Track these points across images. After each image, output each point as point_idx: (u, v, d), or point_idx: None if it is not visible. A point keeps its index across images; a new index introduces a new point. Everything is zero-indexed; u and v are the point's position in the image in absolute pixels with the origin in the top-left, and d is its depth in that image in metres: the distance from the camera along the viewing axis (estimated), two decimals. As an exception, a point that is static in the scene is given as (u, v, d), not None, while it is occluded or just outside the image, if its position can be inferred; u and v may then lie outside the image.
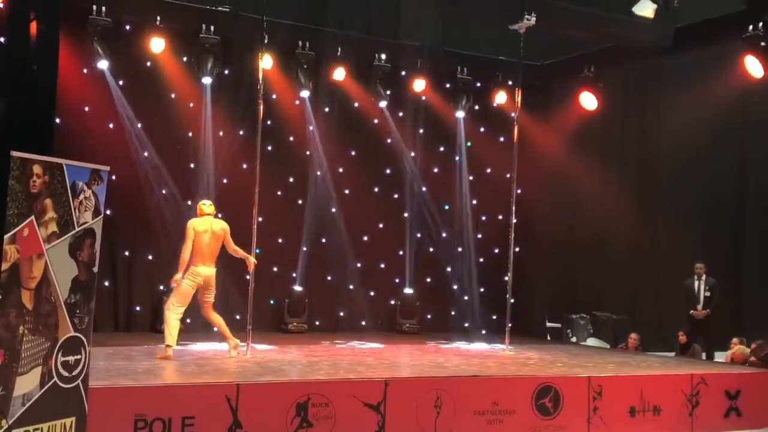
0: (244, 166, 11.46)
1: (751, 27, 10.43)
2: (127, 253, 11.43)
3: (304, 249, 12.38)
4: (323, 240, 12.56)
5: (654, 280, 15.81)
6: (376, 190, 13.12)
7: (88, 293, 5.92)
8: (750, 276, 16.14)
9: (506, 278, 11.18)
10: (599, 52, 12.47)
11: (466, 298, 13.41)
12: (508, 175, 11.68)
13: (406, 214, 13.25)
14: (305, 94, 12.04)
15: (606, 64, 12.63)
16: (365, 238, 12.97)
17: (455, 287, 13.40)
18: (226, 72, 11.60)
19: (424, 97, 12.98)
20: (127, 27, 11.14)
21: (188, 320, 11.28)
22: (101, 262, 6.12)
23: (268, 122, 11.44)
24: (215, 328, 9.23)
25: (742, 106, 15.59)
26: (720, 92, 13.25)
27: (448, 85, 13.12)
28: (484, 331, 12.91)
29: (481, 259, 13.62)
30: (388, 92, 12.46)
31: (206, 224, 8.98)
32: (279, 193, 12.25)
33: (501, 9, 10.64)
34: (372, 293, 13.02)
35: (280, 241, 12.24)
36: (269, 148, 11.66)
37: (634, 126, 15.76)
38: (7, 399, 5.27)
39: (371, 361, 9.40)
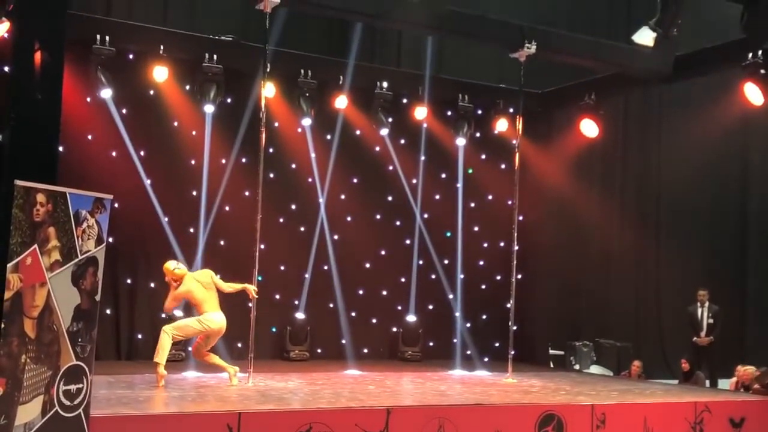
0: (246, 193, 11.49)
1: (750, 55, 10.48)
2: (129, 281, 11.43)
3: (306, 276, 12.38)
4: (325, 267, 12.55)
5: (657, 308, 15.80)
6: (378, 217, 13.14)
7: (91, 322, 5.92)
8: (753, 302, 16.13)
9: (508, 305, 11.15)
10: (600, 79, 12.54)
11: (468, 325, 13.38)
12: (509, 202, 11.70)
13: (407, 241, 13.26)
14: (307, 122, 12.10)
15: (606, 92, 12.70)
16: (367, 266, 12.97)
17: (457, 314, 13.37)
18: (229, 100, 11.67)
19: (425, 125, 13.04)
20: (131, 56, 11.22)
21: (189, 348, 11.30)
22: (103, 290, 6.13)
23: (270, 150, 11.46)
24: (210, 364, 9.19)
25: (743, 133, 15.69)
26: (720, 119, 13.32)
27: (449, 113, 13.18)
28: (486, 359, 12.87)
29: (483, 286, 13.61)
30: (390, 120, 12.52)
31: (190, 283, 8.94)
32: (281, 220, 12.27)
33: (502, 37, 10.72)
34: (374, 320, 13.01)
35: (282, 268, 12.23)
36: (271, 175, 11.68)
37: (635, 153, 15.83)
38: (9, 428, 5.26)
39: (373, 389, 9.36)
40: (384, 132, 12.65)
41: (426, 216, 13.31)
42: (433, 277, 13.38)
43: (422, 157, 13.26)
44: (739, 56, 10.60)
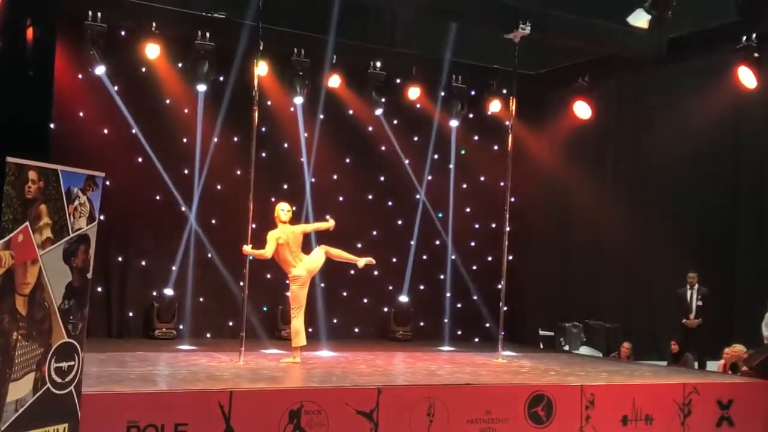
0: (239, 172, 11.48)
1: (744, 38, 10.48)
2: (120, 259, 11.42)
3: (298, 256, 12.36)
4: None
5: (647, 289, 15.85)
6: (370, 197, 13.13)
7: (82, 299, 5.91)
8: (742, 285, 16.19)
9: (499, 286, 11.18)
10: (593, 61, 12.52)
11: (459, 305, 13.42)
12: (501, 183, 11.71)
13: (399, 222, 13.27)
14: (300, 101, 12.04)
15: (600, 74, 12.68)
16: (359, 246, 12.94)
17: (449, 295, 13.41)
18: (221, 78, 11.61)
19: (418, 105, 13.01)
20: (123, 33, 11.15)
21: (181, 327, 11.36)
22: (94, 268, 6.12)
23: (263, 129, 11.41)
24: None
25: (735, 116, 15.69)
26: (713, 102, 13.31)
27: (442, 93, 13.14)
28: (477, 339, 12.91)
29: (475, 267, 13.64)
30: (383, 99, 12.47)
31: (285, 235, 9.30)
32: (273, 199, 12.15)
33: (496, 18, 10.68)
34: (365, 300, 13.04)
35: (273, 247, 12.20)
36: (263, 154, 11.61)
37: (627, 135, 15.82)
38: (0, 405, 5.27)
39: (364, 368, 9.40)
40: (378, 112, 12.60)
41: (418, 197, 13.31)
42: (425, 257, 13.41)
43: (415, 138, 13.24)
44: (733, 39, 10.60)
